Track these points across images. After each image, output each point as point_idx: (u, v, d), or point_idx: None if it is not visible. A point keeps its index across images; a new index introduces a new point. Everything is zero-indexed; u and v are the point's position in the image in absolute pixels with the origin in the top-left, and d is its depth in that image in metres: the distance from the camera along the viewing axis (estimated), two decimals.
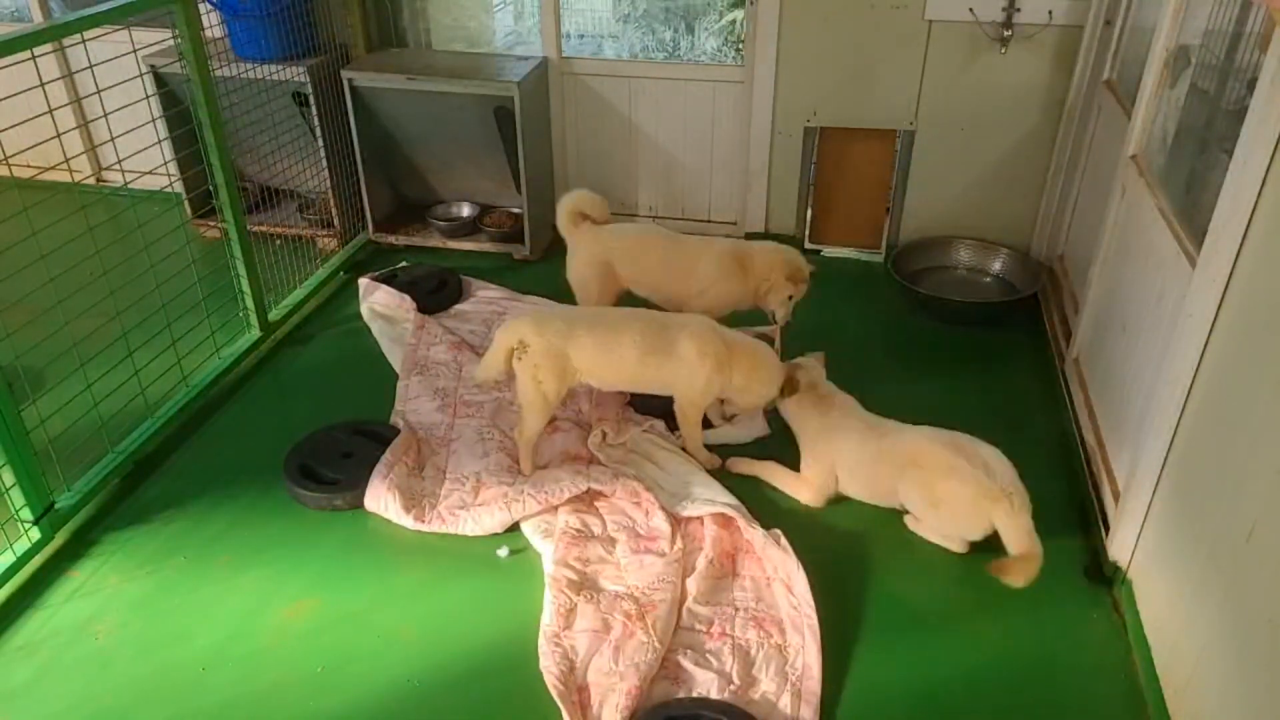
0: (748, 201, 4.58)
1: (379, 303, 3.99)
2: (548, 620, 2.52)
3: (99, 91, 2.97)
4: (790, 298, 3.48)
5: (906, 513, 2.88)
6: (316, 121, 4.31)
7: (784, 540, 2.72)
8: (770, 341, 3.36)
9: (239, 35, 4.20)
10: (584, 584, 2.64)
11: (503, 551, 2.81)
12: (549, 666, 2.38)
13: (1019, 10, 3.88)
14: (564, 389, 3.00)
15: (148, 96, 3.44)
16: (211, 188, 3.59)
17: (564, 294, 4.09)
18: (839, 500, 3.00)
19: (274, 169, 4.21)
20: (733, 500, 2.90)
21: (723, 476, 3.08)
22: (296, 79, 4.19)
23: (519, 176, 4.40)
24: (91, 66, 2.91)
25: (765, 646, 2.47)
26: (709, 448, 3.18)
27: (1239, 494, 2.04)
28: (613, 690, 2.30)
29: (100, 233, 2.99)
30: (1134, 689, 2.38)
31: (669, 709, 2.26)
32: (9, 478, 2.69)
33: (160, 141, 3.33)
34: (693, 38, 4.69)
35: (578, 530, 2.82)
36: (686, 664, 2.42)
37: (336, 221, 4.57)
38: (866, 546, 2.83)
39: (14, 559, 2.70)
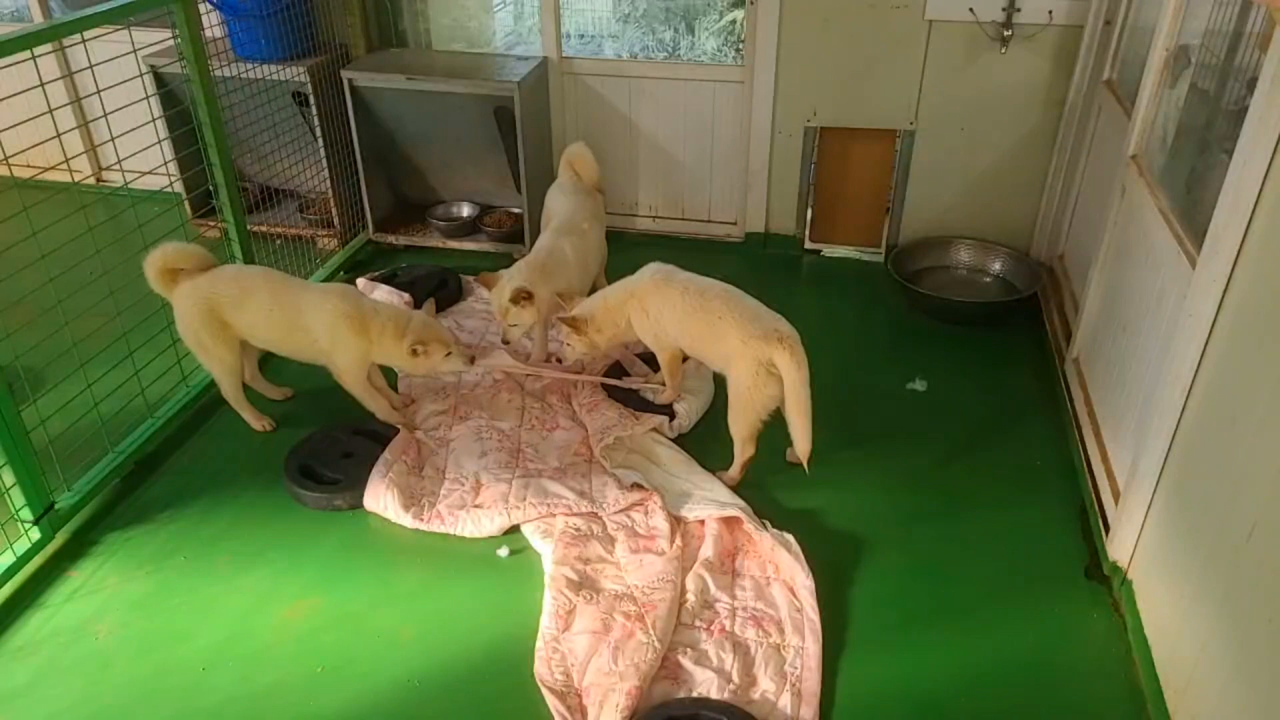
0: (748, 201, 4.58)
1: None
2: (547, 623, 2.52)
3: (99, 91, 2.97)
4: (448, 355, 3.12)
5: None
6: (316, 121, 4.31)
7: (795, 546, 2.71)
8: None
9: (239, 35, 4.21)
10: (584, 584, 2.64)
11: (503, 551, 2.82)
12: (544, 675, 2.38)
13: (1019, 10, 3.87)
14: None
15: (148, 96, 3.43)
16: (211, 188, 3.60)
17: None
18: (838, 500, 3.01)
19: (274, 169, 4.22)
20: (738, 501, 2.89)
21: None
22: (296, 79, 4.19)
23: (519, 176, 4.40)
24: (91, 66, 2.92)
25: (764, 646, 2.47)
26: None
27: (1239, 494, 2.04)
28: (613, 690, 2.29)
29: (100, 233, 2.99)
30: (1134, 689, 2.38)
31: (669, 709, 2.27)
32: (9, 478, 2.69)
33: (160, 141, 3.33)
34: (693, 38, 4.69)
35: (577, 530, 2.82)
36: (686, 663, 2.42)
37: (336, 221, 4.57)
38: (866, 546, 2.83)
39: (14, 559, 2.70)
